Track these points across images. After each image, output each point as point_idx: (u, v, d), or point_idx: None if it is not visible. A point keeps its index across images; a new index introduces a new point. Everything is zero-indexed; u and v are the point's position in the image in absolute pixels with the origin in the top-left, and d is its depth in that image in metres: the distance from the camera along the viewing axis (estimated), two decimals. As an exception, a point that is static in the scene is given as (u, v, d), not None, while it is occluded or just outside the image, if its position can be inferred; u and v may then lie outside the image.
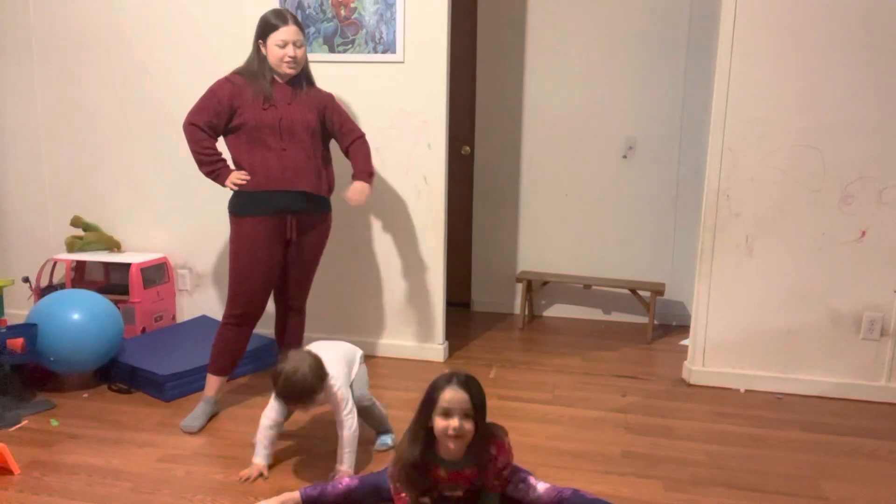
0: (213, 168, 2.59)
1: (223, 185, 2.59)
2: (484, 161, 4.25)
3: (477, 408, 1.85)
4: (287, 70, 2.59)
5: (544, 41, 4.04)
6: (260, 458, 2.29)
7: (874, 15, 2.77)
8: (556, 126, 4.09)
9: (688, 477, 2.30)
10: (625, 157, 4.04)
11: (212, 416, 2.69)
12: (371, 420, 2.47)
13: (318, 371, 2.15)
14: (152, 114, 3.50)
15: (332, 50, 3.24)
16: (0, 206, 3.79)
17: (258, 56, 2.62)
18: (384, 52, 3.20)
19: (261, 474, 2.26)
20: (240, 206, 2.60)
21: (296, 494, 2.05)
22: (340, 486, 2.07)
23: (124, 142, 3.57)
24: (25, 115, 3.66)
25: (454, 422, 1.82)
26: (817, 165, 2.90)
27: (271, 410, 2.28)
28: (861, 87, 2.82)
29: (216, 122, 2.57)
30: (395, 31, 3.17)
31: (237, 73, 2.64)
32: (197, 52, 3.38)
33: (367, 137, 3.25)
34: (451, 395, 1.83)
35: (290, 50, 2.56)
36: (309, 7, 3.23)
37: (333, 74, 3.22)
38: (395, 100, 3.23)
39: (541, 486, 2.04)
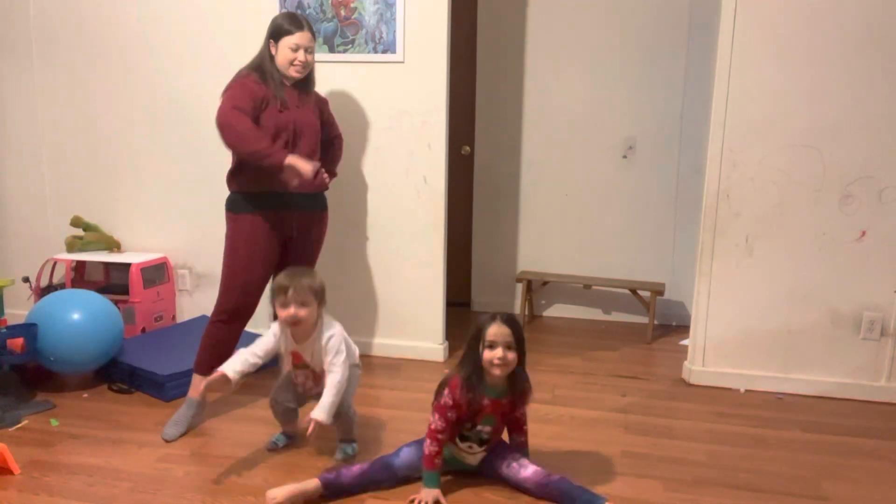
0: (266, 144, 2.43)
1: (279, 165, 2.40)
2: (484, 161, 4.25)
3: (518, 340, 2.08)
4: (294, 74, 2.62)
5: (544, 41, 4.04)
6: (226, 368, 2.22)
7: (874, 15, 2.77)
8: (556, 126, 4.09)
9: (688, 477, 2.30)
10: (625, 157, 4.04)
11: (192, 424, 2.60)
12: (342, 425, 2.38)
13: (321, 287, 2.28)
14: (153, 114, 3.50)
15: (332, 50, 3.24)
16: (0, 206, 3.79)
17: (269, 56, 2.62)
18: (384, 52, 3.20)
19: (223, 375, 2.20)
20: (240, 204, 2.61)
21: (315, 480, 2.12)
22: (354, 469, 2.17)
23: (124, 142, 3.57)
24: (26, 114, 3.66)
25: (499, 352, 2.04)
26: (817, 165, 2.90)
27: (262, 345, 2.30)
28: (861, 87, 2.82)
29: (251, 111, 2.50)
30: (395, 31, 3.17)
31: (251, 71, 2.62)
32: (198, 51, 3.38)
33: (367, 137, 3.29)
34: (496, 330, 2.06)
35: (301, 55, 2.59)
36: (309, 7, 3.23)
37: (333, 74, 3.23)
38: (395, 100, 3.23)
39: (531, 468, 2.16)
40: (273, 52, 2.62)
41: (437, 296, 3.38)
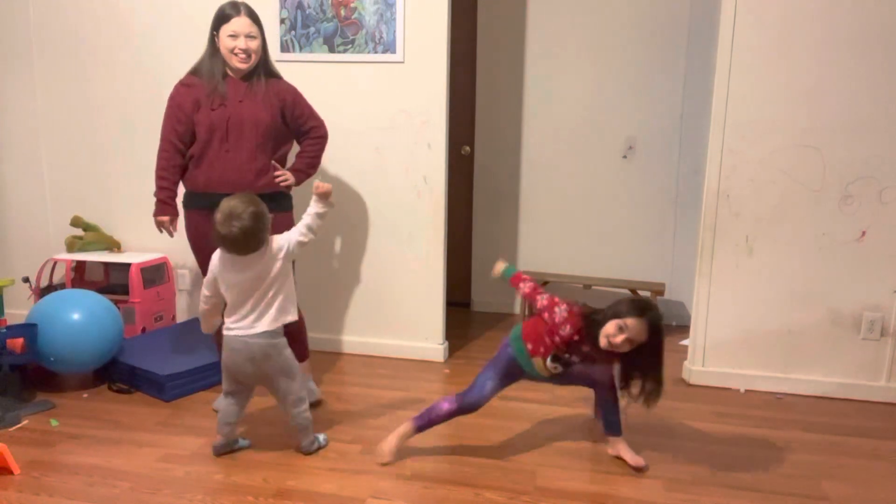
0: (155, 193, 2.63)
1: (154, 214, 2.65)
2: (484, 161, 4.25)
3: (652, 344, 2.12)
4: (238, 64, 2.55)
5: (544, 41, 4.04)
6: None
7: (874, 15, 2.76)
8: (556, 126, 4.09)
9: (688, 477, 2.30)
10: (625, 157, 4.04)
11: None
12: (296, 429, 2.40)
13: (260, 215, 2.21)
14: (152, 113, 3.46)
15: (332, 50, 3.24)
16: (0, 206, 3.79)
17: (212, 48, 2.60)
18: (384, 52, 3.20)
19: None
20: (186, 199, 2.65)
21: (408, 424, 2.35)
22: (443, 409, 2.33)
23: (124, 141, 3.57)
24: (25, 114, 3.66)
25: (619, 338, 2.08)
26: (817, 165, 2.90)
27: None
28: (861, 86, 2.82)
29: (182, 130, 2.58)
30: (395, 31, 3.17)
31: (191, 73, 2.64)
32: (197, 51, 3.36)
33: (367, 137, 3.28)
34: (634, 322, 2.09)
35: (241, 42, 2.52)
36: (309, 7, 3.23)
37: (333, 74, 3.23)
38: (395, 100, 3.23)
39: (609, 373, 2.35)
40: (217, 43, 2.57)
41: (437, 296, 3.38)
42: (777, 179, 2.94)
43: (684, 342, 3.60)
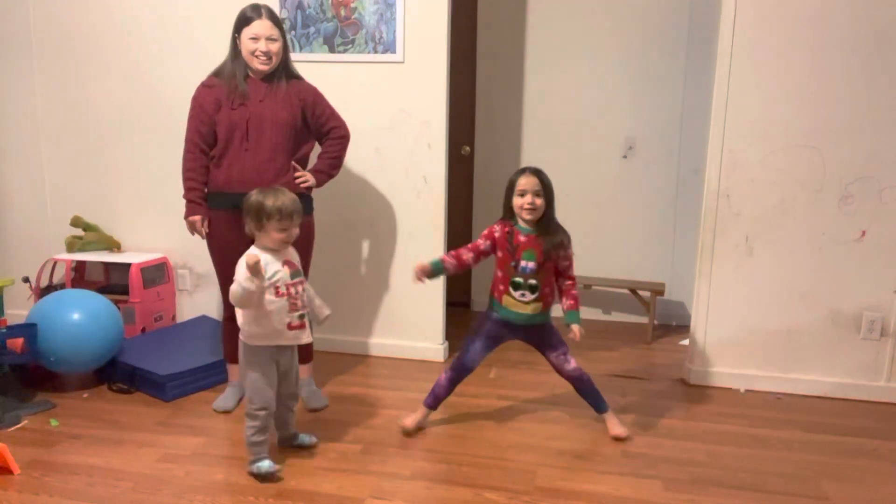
0: (184, 195, 2.63)
1: (185, 216, 2.65)
2: (484, 161, 4.25)
3: (545, 189, 2.44)
4: (259, 66, 2.57)
5: (544, 41, 4.04)
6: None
7: (873, 15, 2.77)
8: (556, 126, 4.09)
9: (688, 477, 2.30)
10: (625, 157, 4.04)
11: (241, 399, 2.75)
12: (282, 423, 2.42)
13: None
14: (152, 113, 3.50)
15: (332, 50, 3.24)
16: (0, 206, 3.79)
17: (234, 51, 2.61)
18: (384, 52, 3.20)
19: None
20: (210, 200, 2.64)
21: (423, 408, 2.59)
22: (442, 380, 2.58)
23: (124, 141, 3.57)
24: (25, 115, 3.66)
25: (528, 198, 2.41)
26: (817, 165, 2.90)
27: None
28: (861, 87, 2.82)
29: (205, 131, 2.59)
30: (395, 31, 3.17)
31: (213, 74, 2.65)
32: (197, 51, 3.38)
33: (367, 137, 3.27)
34: (526, 180, 2.42)
35: (262, 45, 2.54)
36: (309, 7, 3.23)
37: (333, 74, 3.23)
38: (395, 100, 3.23)
39: (573, 363, 2.56)
40: (239, 45, 2.58)
41: (437, 296, 3.38)
42: (777, 179, 2.94)
43: (684, 342, 3.60)
